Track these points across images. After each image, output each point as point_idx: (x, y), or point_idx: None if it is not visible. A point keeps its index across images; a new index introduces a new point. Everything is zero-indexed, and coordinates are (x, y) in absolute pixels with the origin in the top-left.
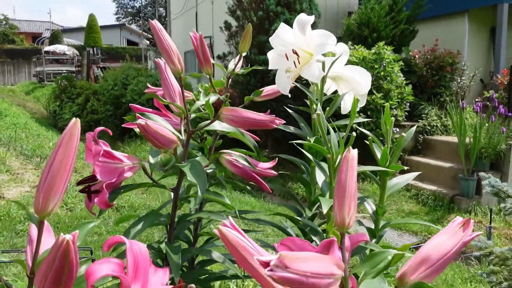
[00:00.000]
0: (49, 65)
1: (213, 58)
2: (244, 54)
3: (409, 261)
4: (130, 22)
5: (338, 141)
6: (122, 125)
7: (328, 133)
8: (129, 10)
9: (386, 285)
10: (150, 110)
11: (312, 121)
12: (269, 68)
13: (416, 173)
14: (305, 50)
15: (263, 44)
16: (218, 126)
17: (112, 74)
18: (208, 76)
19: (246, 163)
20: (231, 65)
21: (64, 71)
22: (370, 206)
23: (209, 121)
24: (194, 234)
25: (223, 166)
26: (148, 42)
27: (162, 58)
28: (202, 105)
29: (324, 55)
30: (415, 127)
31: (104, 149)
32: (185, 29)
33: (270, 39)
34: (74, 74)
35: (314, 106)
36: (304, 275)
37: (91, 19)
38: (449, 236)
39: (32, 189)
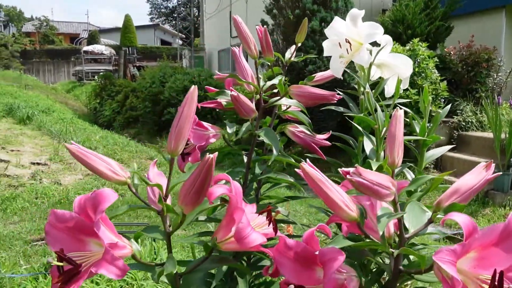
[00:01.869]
0: (87, 64)
1: (247, 57)
2: (299, 44)
3: (443, 193)
4: (164, 22)
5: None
6: (201, 104)
7: (375, 109)
8: (163, 10)
9: (426, 212)
10: (215, 89)
11: (360, 102)
12: (324, 55)
13: (449, 146)
14: (355, 40)
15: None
16: (285, 101)
17: (150, 72)
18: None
19: (308, 132)
20: (287, 55)
21: (102, 70)
22: (409, 174)
23: (279, 97)
24: (256, 199)
25: (284, 138)
26: (180, 42)
27: (234, 47)
28: (271, 84)
29: (371, 44)
30: (449, 106)
31: (197, 119)
32: (219, 28)
33: (326, 30)
34: (112, 73)
35: (362, 88)
36: (371, 182)
37: (127, 19)
38: (475, 175)
39: (84, 177)
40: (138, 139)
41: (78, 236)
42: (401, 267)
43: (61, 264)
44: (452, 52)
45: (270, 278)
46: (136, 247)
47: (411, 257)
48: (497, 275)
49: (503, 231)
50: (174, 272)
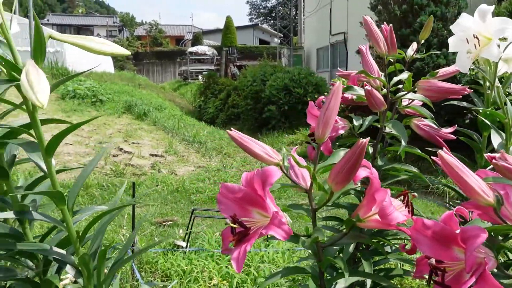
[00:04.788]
0: (192, 64)
1: (347, 54)
2: (422, 41)
3: None
4: (262, 22)
5: None
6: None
7: (505, 103)
8: (261, 10)
9: None
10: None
11: (486, 96)
12: (450, 51)
13: None
14: (483, 35)
15: (406, 37)
16: (411, 95)
17: (251, 71)
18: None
19: (433, 126)
20: (409, 52)
21: (205, 70)
22: None
23: (405, 92)
24: None
25: (408, 131)
26: (278, 41)
27: (362, 45)
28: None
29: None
30: None
31: None
32: (318, 26)
33: (451, 27)
34: (215, 72)
35: (487, 83)
36: None
37: (228, 20)
38: None
39: (196, 168)
40: None
41: (243, 205)
42: None
43: (234, 226)
44: None
45: (390, 265)
46: (289, 220)
47: None
48: None
49: None
50: (324, 239)
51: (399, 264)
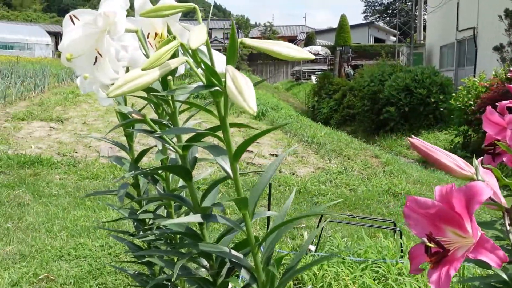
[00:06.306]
0: (305, 64)
1: (476, 51)
2: None
3: None
4: (377, 19)
5: None
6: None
7: None
8: (377, 7)
9: None
10: None
11: None
12: None
13: None
14: None
15: None
16: None
17: (368, 70)
18: None
19: None
20: None
21: (317, 70)
22: None
23: None
24: None
25: None
26: (394, 38)
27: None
28: None
29: None
30: None
31: None
32: (442, 22)
33: None
34: (329, 72)
35: None
36: None
37: (342, 19)
38: None
39: (315, 170)
40: (355, 137)
41: (435, 222)
42: None
43: (430, 245)
44: None
45: None
46: None
47: None
48: None
49: None
50: None
51: None
